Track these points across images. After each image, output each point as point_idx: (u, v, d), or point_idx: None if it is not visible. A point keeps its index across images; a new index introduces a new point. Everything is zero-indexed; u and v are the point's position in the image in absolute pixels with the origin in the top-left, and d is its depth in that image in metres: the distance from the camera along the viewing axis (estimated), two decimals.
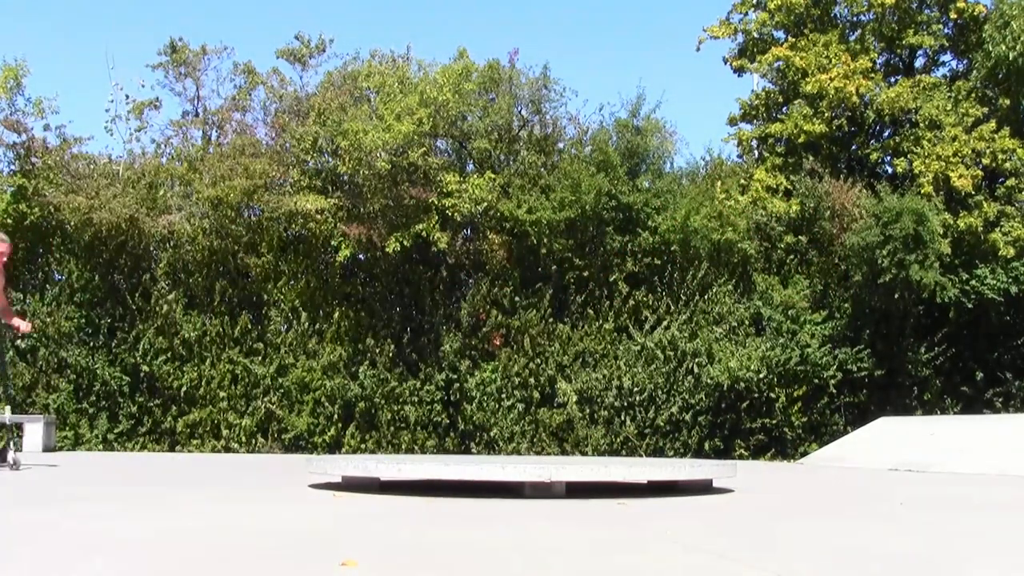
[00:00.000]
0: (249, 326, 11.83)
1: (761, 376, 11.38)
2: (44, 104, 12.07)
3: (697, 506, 4.36)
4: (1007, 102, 12.60)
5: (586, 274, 12.04)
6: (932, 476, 7.62)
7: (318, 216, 11.58)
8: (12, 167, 12.05)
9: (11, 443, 6.73)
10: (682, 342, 11.67)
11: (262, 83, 12.94)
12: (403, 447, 11.41)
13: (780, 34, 14.06)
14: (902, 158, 12.67)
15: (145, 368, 11.42)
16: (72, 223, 11.65)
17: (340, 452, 11.14)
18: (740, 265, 12.47)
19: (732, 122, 14.52)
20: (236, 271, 12.03)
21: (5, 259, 6.70)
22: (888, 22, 13.41)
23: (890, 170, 13.35)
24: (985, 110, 12.65)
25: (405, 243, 11.28)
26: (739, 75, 14.35)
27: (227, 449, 11.31)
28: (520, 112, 12.86)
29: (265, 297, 11.91)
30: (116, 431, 11.33)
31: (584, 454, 11.28)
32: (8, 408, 6.98)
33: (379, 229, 11.45)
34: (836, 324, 12.00)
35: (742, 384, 11.34)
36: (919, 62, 14.23)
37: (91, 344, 11.59)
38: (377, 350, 11.66)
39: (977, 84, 13.00)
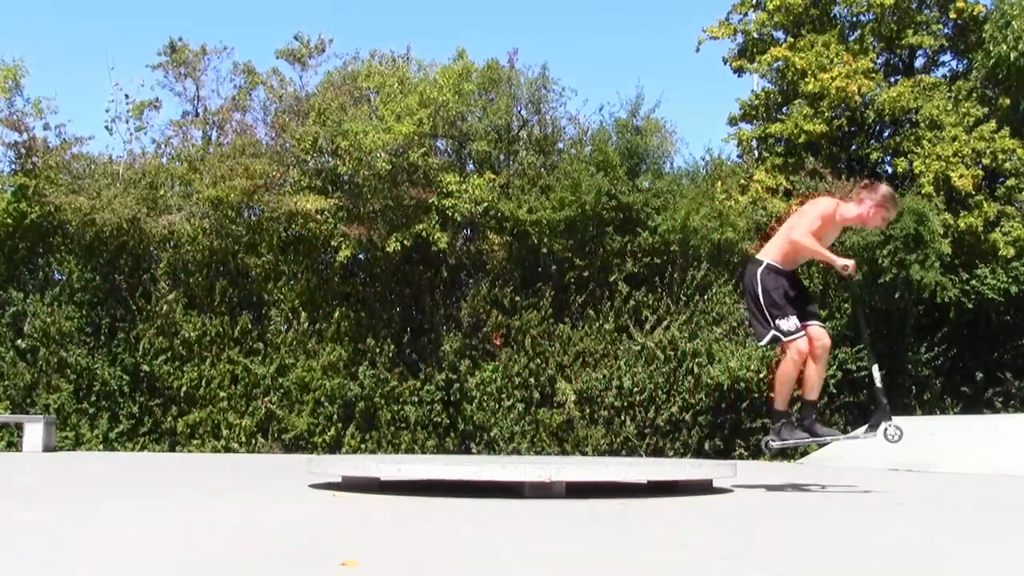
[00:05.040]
0: (249, 326, 11.83)
1: (761, 376, 11.38)
2: (43, 104, 12.09)
3: (697, 506, 4.36)
4: (1007, 102, 12.60)
5: (586, 274, 12.04)
6: (932, 476, 7.62)
7: (318, 216, 11.58)
8: (13, 166, 12.05)
9: (885, 411, 5.31)
10: (682, 342, 11.67)
11: (262, 83, 12.95)
12: (403, 447, 11.41)
13: (779, 34, 14.08)
14: (902, 158, 12.67)
15: (145, 368, 11.42)
16: (74, 223, 11.66)
17: (340, 452, 11.14)
18: (740, 265, 12.47)
19: (732, 122, 14.53)
20: (236, 271, 12.04)
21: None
22: (888, 22, 13.41)
23: (890, 170, 13.35)
24: (985, 110, 12.65)
25: (405, 243, 11.29)
26: (739, 75, 14.37)
27: (227, 449, 11.31)
28: (520, 112, 12.87)
29: (265, 297, 11.92)
30: (116, 431, 11.33)
31: (584, 454, 11.28)
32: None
33: (379, 229, 11.46)
34: (836, 324, 11.99)
35: (742, 384, 11.34)
36: (919, 62, 14.23)
37: (91, 344, 11.59)
38: (377, 350, 11.66)
39: (977, 84, 13.00)
